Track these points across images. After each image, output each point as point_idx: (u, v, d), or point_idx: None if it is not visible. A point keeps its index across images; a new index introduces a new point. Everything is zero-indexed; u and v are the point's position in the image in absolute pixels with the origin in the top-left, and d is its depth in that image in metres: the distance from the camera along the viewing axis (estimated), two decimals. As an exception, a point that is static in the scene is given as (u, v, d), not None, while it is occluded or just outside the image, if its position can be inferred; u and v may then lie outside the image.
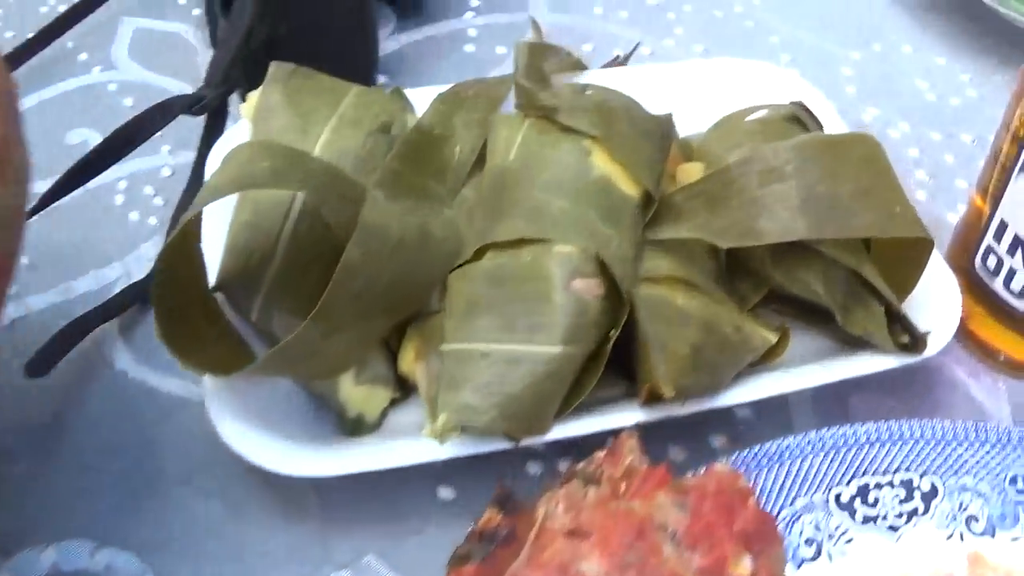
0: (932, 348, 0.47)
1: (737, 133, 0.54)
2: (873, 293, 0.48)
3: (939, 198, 0.63)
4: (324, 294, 0.39)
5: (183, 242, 0.42)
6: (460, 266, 0.44)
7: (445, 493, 0.45)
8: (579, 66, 0.61)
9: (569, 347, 0.42)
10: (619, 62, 0.69)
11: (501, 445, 0.41)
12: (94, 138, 0.63)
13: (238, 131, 0.52)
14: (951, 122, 0.69)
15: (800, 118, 0.55)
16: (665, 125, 0.51)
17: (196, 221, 0.42)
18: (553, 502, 0.38)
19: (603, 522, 0.36)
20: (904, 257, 0.49)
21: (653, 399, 0.43)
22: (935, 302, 0.49)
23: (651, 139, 0.49)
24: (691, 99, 0.58)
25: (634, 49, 0.70)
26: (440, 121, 0.50)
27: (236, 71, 0.55)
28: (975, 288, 0.51)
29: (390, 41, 0.73)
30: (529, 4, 0.77)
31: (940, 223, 0.60)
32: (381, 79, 0.70)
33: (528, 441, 0.42)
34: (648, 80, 0.60)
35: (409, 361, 0.45)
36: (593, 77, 0.60)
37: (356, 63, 0.66)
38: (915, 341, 0.47)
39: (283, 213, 0.45)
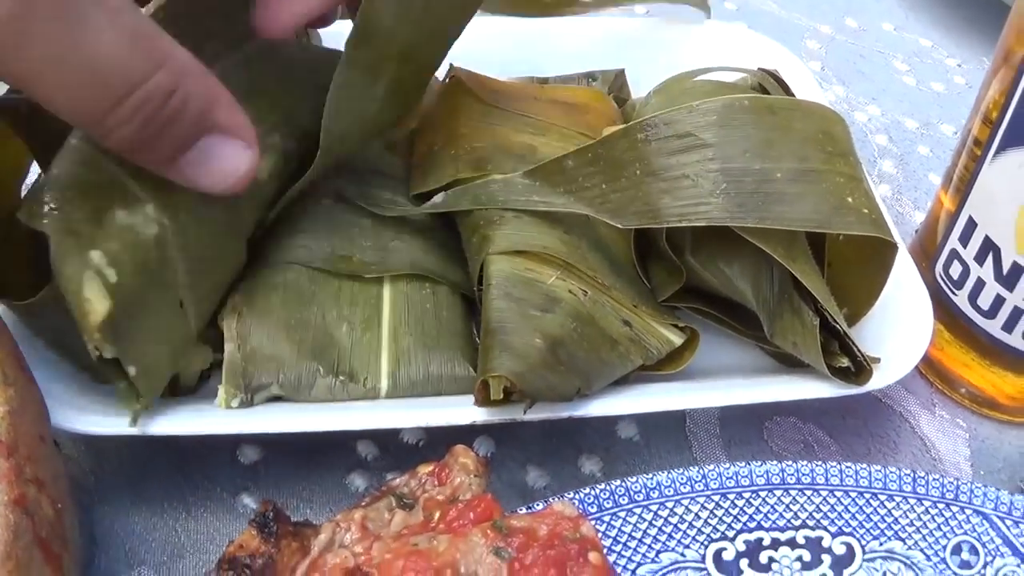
0: (881, 380, 0.37)
1: (683, 95, 0.44)
2: (808, 299, 0.38)
3: (906, 195, 0.54)
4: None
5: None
6: None
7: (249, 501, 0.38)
8: None
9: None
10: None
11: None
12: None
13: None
14: (930, 110, 0.60)
15: (767, 89, 0.45)
16: None
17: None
18: (344, 526, 0.30)
19: (392, 562, 0.28)
20: (864, 262, 0.39)
21: (490, 399, 0.35)
22: (898, 321, 0.40)
23: None
24: (646, 58, 0.52)
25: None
26: None
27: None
28: (935, 301, 0.42)
29: None
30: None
31: (905, 224, 0.51)
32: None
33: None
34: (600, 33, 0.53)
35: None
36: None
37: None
38: (857, 368, 0.37)
39: None
